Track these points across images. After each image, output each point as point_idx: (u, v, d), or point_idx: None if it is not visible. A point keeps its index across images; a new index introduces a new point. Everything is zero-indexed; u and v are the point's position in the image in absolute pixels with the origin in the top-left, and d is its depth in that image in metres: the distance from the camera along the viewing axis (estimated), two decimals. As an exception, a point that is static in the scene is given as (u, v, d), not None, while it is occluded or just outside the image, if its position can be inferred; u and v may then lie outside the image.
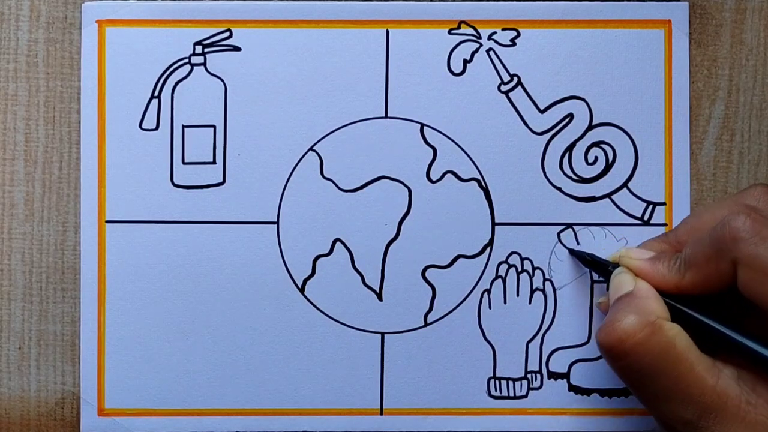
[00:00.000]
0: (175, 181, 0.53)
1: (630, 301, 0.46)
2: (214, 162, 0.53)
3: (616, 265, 0.50)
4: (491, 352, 0.53)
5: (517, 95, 0.53)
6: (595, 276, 0.52)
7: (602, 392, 0.53)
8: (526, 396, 0.53)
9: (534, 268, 0.53)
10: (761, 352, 0.44)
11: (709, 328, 0.46)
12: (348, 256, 0.53)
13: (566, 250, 0.52)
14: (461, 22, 0.53)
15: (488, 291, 0.53)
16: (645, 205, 0.53)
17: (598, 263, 0.51)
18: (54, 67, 0.53)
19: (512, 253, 0.53)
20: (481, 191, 0.53)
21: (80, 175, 0.53)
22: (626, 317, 0.45)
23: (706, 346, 0.45)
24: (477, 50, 0.53)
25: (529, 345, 0.53)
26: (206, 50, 0.53)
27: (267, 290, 0.53)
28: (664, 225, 0.53)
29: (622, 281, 0.48)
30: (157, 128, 0.53)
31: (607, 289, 0.50)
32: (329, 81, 0.53)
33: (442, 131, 0.53)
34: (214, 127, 0.53)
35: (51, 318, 0.53)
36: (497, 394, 0.53)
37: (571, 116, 0.53)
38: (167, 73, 0.53)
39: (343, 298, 0.53)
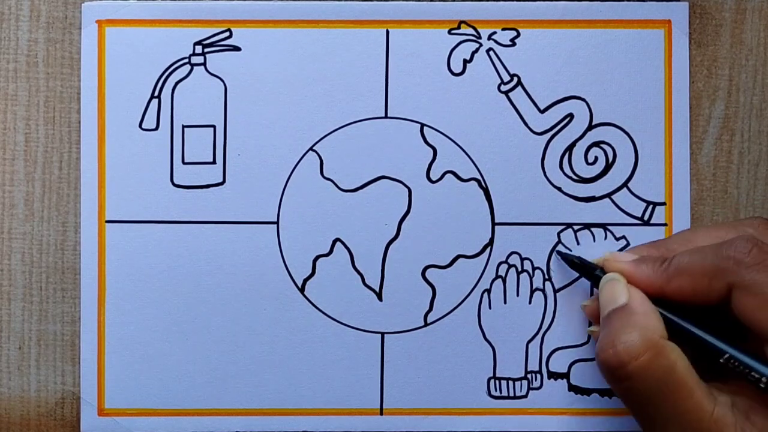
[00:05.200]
0: (175, 181, 0.53)
1: (628, 316, 0.46)
2: (214, 162, 0.53)
3: (603, 270, 0.49)
4: (491, 352, 0.53)
5: (517, 95, 0.53)
6: (595, 276, 0.53)
7: (602, 392, 0.53)
8: (526, 396, 0.53)
9: (534, 268, 0.53)
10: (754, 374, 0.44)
11: (704, 344, 0.45)
12: (348, 256, 0.53)
13: (556, 254, 0.52)
14: (461, 22, 0.53)
15: (488, 291, 0.53)
16: (645, 205, 0.53)
17: (586, 266, 0.51)
18: (54, 67, 0.53)
19: (512, 253, 0.53)
20: (481, 191, 0.53)
21: (80, 175, 0.53)
22: (628, 336, 0.45)
23: (700, 366, 0.45)
24: (477, 50, 0.53)
25: (529, 345, 0.53)
26: (206, 50, 0.53)
27: (267, 290, 0.52)
28: (664, 225, 0.53)
29: (615, 291, 0.47)
30: (157, 128, 0.53)
31: (591, 293, 0.50)
32: (329, 81, 0.53)
33: (442, 131, 0.53)
34: (214, 127, 0.53)
35: (51, 318, 0.53)
36: (497, 394, 0.53)
37: (571, 116, 0.53)
38: (167, 73, 0.53)
39: (343, 298, 0.53)
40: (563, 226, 0.53)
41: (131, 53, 0.53)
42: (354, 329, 0.53)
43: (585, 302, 0.51)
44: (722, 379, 0.46)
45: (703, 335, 0.46)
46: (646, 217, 0.53)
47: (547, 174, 0.53)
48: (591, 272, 0.50)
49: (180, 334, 0.52)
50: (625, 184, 0.53)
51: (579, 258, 0.51)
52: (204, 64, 0.53)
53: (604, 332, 0.46)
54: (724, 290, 0.45)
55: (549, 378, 0.53)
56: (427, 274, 0.53)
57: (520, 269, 0.53)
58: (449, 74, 0.53)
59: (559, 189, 0.53)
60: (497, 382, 0.53)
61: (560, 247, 0.52)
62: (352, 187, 0.53)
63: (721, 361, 0.45)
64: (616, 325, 0.46)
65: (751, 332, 0.44)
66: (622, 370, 0.44)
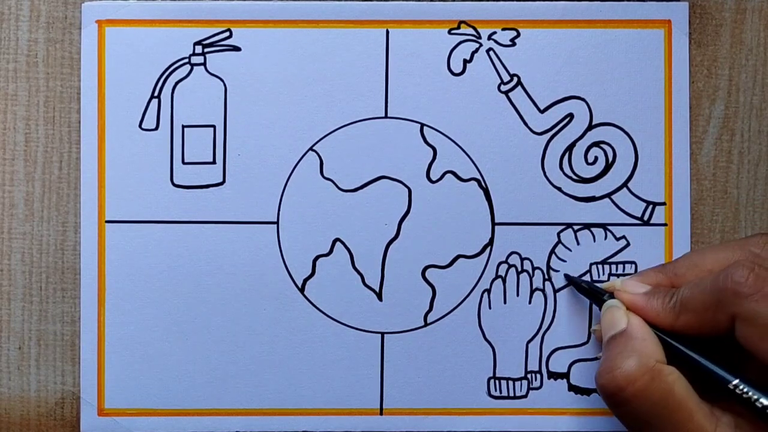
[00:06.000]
0: (175, 181, 0.53)
1: (626, 342, 0.46)
2: (214, 162, 0.53)
3: (611, 294, 0.49)
4: (491, 352, 0.53)
5: (517, 95, 0.53)
6: (596, 276, 0.52)
7: (602, 392, 0.53)
8: (526, 396, 0.53)
9: (534, 268, 0.53)
10: (763, 401, 0.44)
11: (707, 372, 0.45)
12: (348, 256, 0.53)
13: (565, 277, 0.52)
14: (461, 22, 0.53)
15: (488, 291, 0.53)
16: (645, 205, 0.53)
17: (594, 292, 0.51)
18: (54, 67, 0.53)
19: (512, 253, 0.53)
20: (481, 191, 0.53)
21: (80, 175, 0.53)
22: (625, 362, 0.45)
23: (702, 387, 0.45)
24: (477, 50, 0.53)
25: (529, 345, 0.53)
26: (206, 50, 0.53)
27: (267, 290, 0.52)
28: (664, 225, 0.53)
29: (614, 318, 0.48)
30: (157, 128, 0.53)
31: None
32: (329, 81, 0.53)
33: (442, 131, 0.53)
34: (214, 127, 0.53)
35: (51, 318, 0.53)
36: (497, 394, 0.53)
37: (571, 116, 0.53)
38: (167, 73, 0.53)
39: (343, 298, 0.53)
40: (563, 226, 0.53)
41: (131, 53, 0.53)
42: (354, 329, 0.53)
43: (595, 327, 0.51)
44: (726, 400, 0.45)
45: (708, 365, 0.45)
46: (646, 217, 0.53)
47: (547, 174, 0.53)
48: (599, 297, 0.50)
49: (180, 334, 0.52)
50: (625, 184, 0.53)
51: (587, 283, 0.51)
52: (204, 64, 0.53)
53: (603, 358, 0.47)
54: (729, 321, 0.45)
55: (549, 378, 0.53)
56: (427, 274, 0.53)
57: (520, 269, 0.53)
58: (449, 74, 0.53)
59: (559, 189, 0.53)
60: (497, 382, 0.53)
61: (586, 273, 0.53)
62: (352, 187, 0.53)
63: (729, 386, 0.44)
64: (615, 350, 0.46)
65: (757, 360, 0.44)
66: (620, 394, 0.45)
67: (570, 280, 0.52)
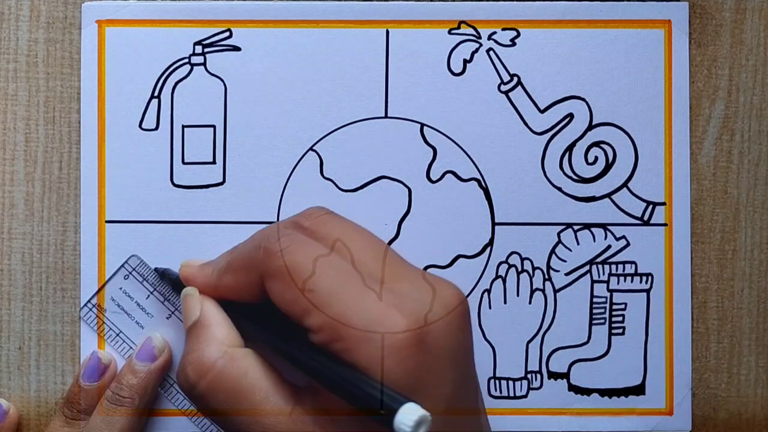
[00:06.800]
0: (175, 181, 0.53)
1: (200, 331, 0.46)
2: (214, 162, 0.53)
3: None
4: (491, 352, 0.53)
5: (517, 95, 0.53)
6: (596, 276, 0.52)
7: (602, 392, 0.53)
8: (526, 396, 0.53)
9: (534, 268, 0.53)
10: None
11: (282, 348, 0.44)
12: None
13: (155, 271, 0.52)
14: (461, 22, 0.53)
15: (488, 291, 0.53)
16: (645, 205, 0.53)
17: (174, 280, 0.50)
18: (54, 67, 0.53)
19: (512, 253, 0.53)
20: (481, 191, 0.53)
21: (80, 175, 0.53)
22: (202, 350, 0.44)
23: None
24: (477, 50, 0.53)
25: (529, 345, 0.53)
26: (206, 50, 0.53)
27: (267, 290, 0.52)
28: (665, 225, 0.53)
29: (189, 306, 0.47)
30: (157, 128, 0.53)
31: None
32: (329, 81, 0.53)
33: (442, 131, 0.53)
34: (214, 127, 0.53)
35: (51, 318, 0.53)
36: (497, 394, 0.53)
37: (571, 116, 0.53)
38: (167, 73, 0.53)
39: (343, 298, 0.52)
40: (563, 226, 0.53)
41: (131, 53, 0.53)
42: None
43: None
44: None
45: (282, 343, 0.44)
46: (646, 217, 0.53)
47: (547, 174, 0.53)
48: (179, 285, 0.49)
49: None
50: (625, 184, 0.53)
51: (165, 270, 0.51)
52: (204, 64, 0.53)
53: (184, 350, 0.46)
54: (261, 283, 0.44)
55: (549, 378, 0.53)
56: (427, 274, 0.53)
57: (520, 269, 0.53)
58: (449, 74, 0.53)
59: (559, 189, 0.53)
60: (497, 382, 0.53)
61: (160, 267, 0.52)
62: (352, 187, 0.53)
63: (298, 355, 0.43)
64: (189, 343, 0.46)
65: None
66: (198, 388, 0.44)
67: (160, 274, 0.51)
